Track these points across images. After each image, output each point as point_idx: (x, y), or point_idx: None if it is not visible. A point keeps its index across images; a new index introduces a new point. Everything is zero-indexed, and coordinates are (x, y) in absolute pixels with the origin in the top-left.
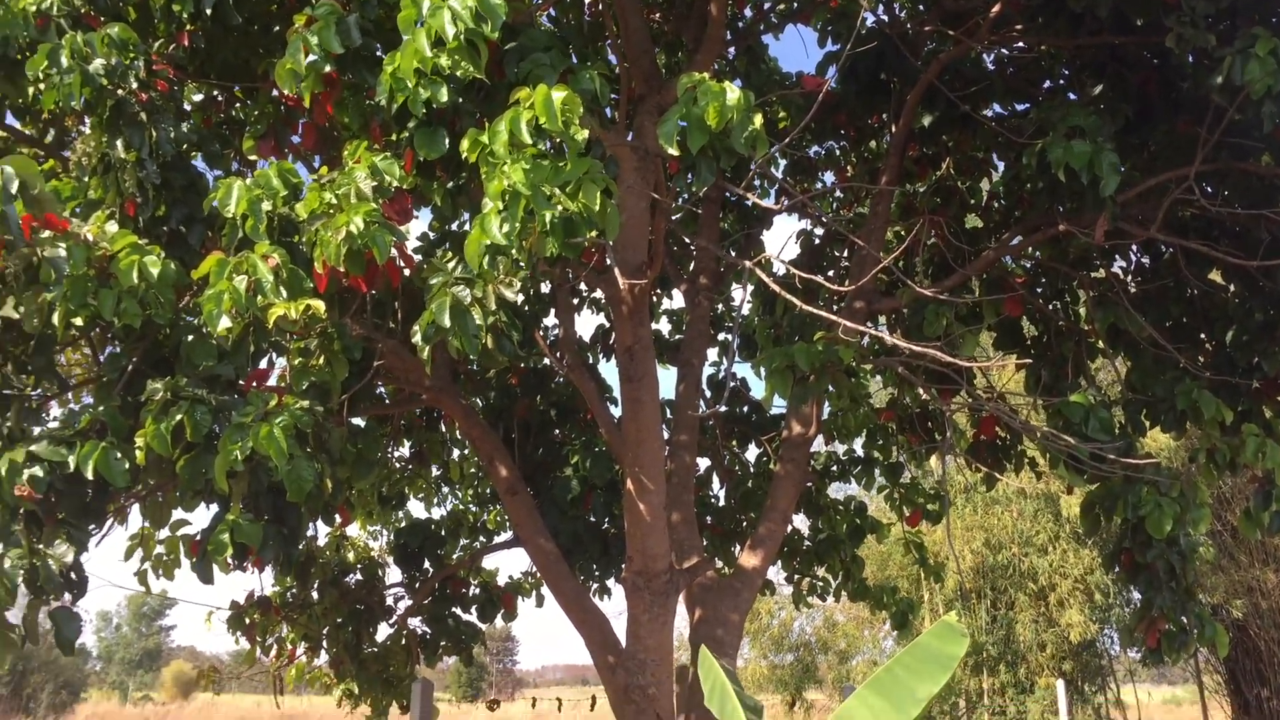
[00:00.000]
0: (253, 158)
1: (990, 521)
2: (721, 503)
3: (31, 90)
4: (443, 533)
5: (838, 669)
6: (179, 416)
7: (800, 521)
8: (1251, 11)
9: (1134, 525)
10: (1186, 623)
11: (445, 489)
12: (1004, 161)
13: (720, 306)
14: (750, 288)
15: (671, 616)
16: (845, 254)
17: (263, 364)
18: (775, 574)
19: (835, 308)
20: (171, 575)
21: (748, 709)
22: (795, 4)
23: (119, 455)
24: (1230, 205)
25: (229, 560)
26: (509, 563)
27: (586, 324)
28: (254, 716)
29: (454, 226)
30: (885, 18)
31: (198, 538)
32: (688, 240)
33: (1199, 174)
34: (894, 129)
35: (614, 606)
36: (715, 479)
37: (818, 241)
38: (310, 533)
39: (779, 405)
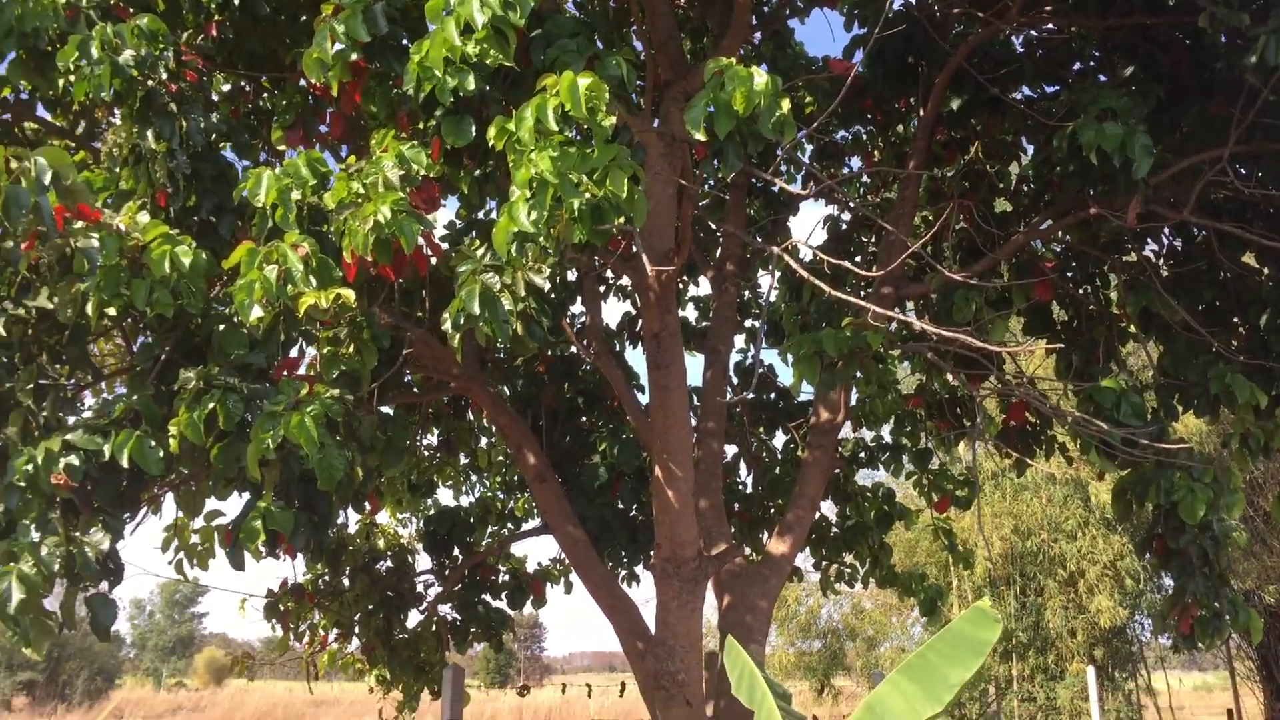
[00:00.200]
0: (281, 147)
1: (1019, 508)
2: (749, 489)
3: (62, 82)
4: (471, 520)
5: (865, 656)
6: (211, 405)
7: (828, 508)
8: None
9: (1166, 511)
10: (1220, 608)
11: (474, 476)
12: (1033, 145)
13: (747, 293)
14: (777, 274)
15: (700, 603)
16: (873, 239)
17: (293, 353)
18: (803, 561)
19: (863, 293)
20: (206, 565)
21: (777, 696)
22: None
23: (153, 444)
24: (1264, 187)
25: (261, 547)
26: (537, 550)
27: (613, 311)
28: (286, 702)
29: (481, 214)
30: (913, 0)
31: (230, 526)
32: (714, 226)
33: (1232, 155)
34: (922, 113)
35: (642, 594)
36: (743, 466)
37: (845, 227)
38: (340, 520)
39: (807, 392)
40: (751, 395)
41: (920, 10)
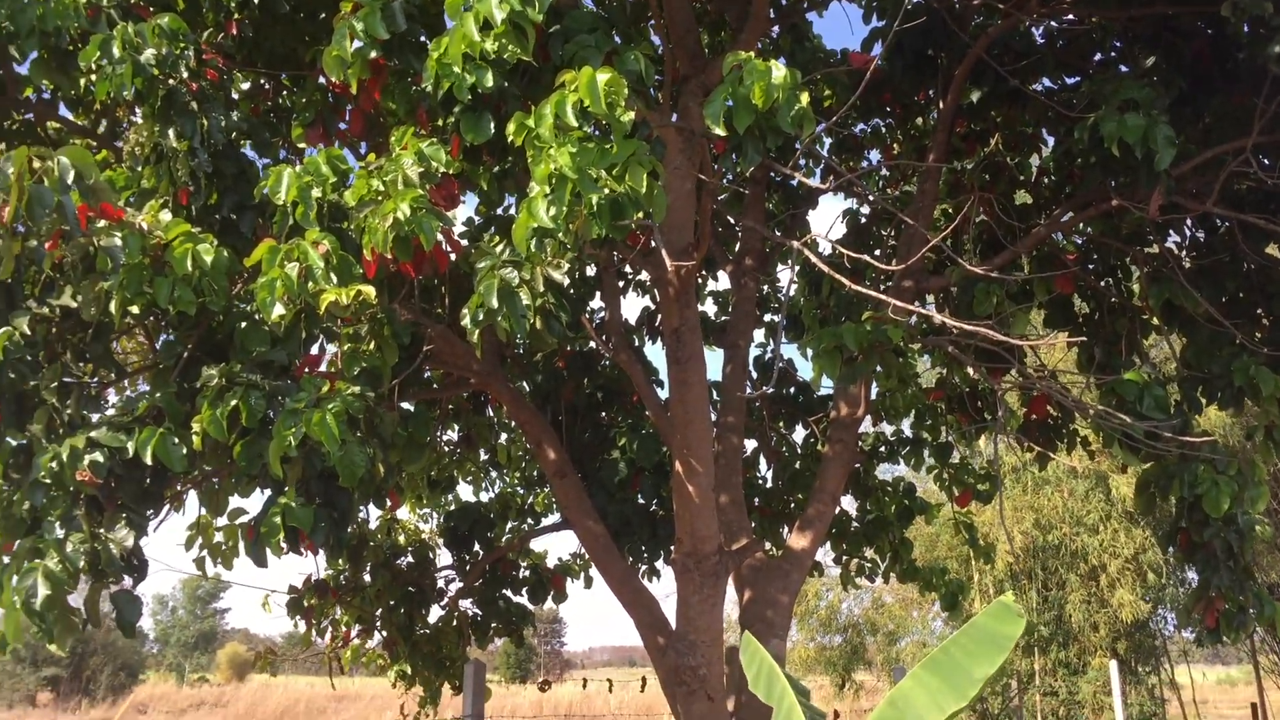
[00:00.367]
0: (301, 145)
1: (1040, 502)
2: (769, 484)
3: (84, 82)
4: (491, 515)
5: (886, 650)
6: (234, 402)
7: (849, 503)
8: None
9: (1190, 504)
10: (1244, 602)
11: (494, 472)
12: (1054, 136)
13: (766, 287)
14: (797, 268)
15: (721, 598)
16: (892, 233)
17: (314, 350)
18: (823, 555)
19: (883, 287)
20: (230, 565)
21: (796, 692)
22: None
23: (176, 440)
24: None
25: (281, 543)
26: (557, 545)
27: (633, 306)
28: (308, 697)
29: (500, 211)
30: None
31: (252, 523)
32: (733, 221)
33: (1256, 146)
34: (941, 105)
35: (662, 588)
36: (763, 460)
37: (864, 220)
38: (361, 516)
39: (827, 386)
40: (771, 390)
41: (939, 2)
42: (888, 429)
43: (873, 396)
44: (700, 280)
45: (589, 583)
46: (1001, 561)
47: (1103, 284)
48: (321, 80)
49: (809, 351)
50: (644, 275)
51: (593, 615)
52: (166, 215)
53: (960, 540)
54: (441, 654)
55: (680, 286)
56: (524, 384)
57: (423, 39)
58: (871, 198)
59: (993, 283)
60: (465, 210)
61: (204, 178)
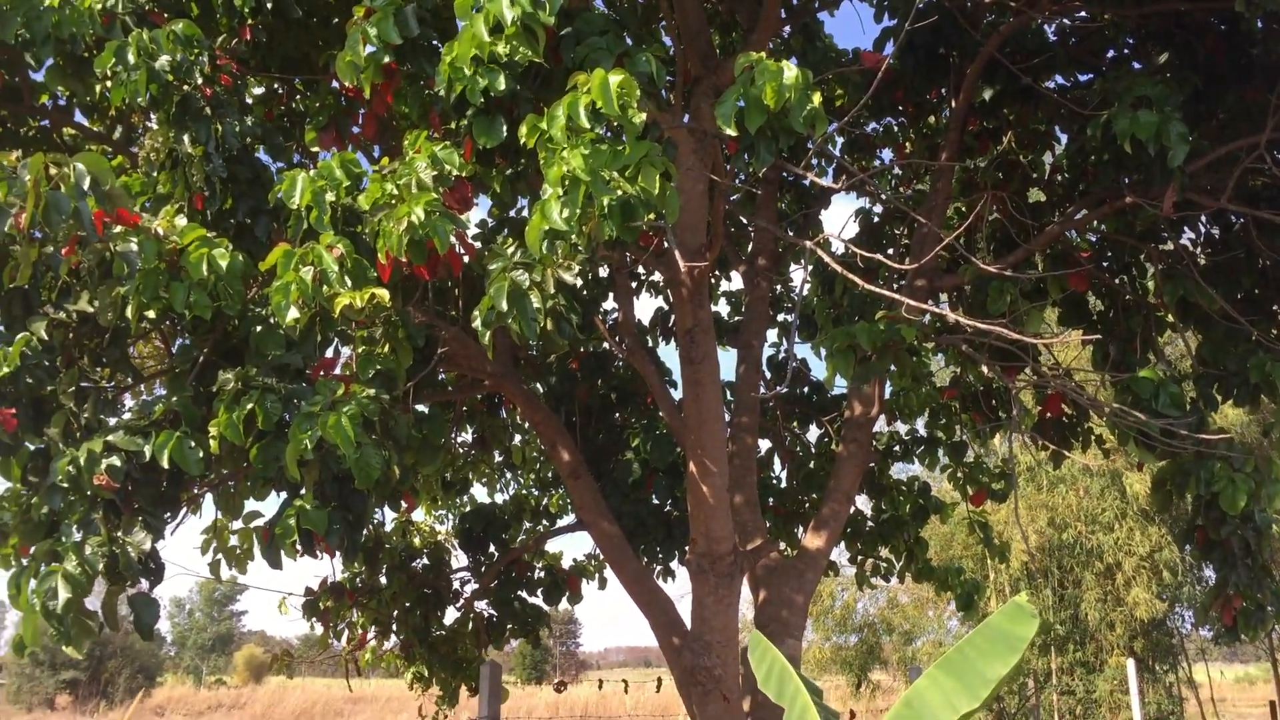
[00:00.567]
0: (315, 149)
1: (1055, 500)
2: (784, 484)
3: (99, 88)
4: (506, 517)
5: (902, 650)
6: (250, 406)
7: (863, 502)
8: None
9: (1207, 502)
10: (1262, 600)
11: (508, 473)
12: (1067, 134)
13: (779, 287)
14: (810, 268)
15: (736, 598)
16: (905, 232)
17: (329, 353)
18: (839, 555)
19: (896, 286)
20: (244, 569)
21: (810, 692)
22: None
23: (193, 444)
24: None
25: (296, 546)
26: (572, 546)
27: (646, 307)
28: (325, 699)
29: (513, 213)
30: None
31: (267, 526)
32: (746, 221)
33: (1270, 142)
34: (954, 103)
35: (677, 589)
36: (777, 460)
37: (877, 220)
38: (377, 518)
39: (840, 385)
40: (785, 390)
41: (951, 1)
42: (902, 428)
43: (887, 396)
44: (713, 280)
45: (603, 583)
46: (1016, 560)
47: (1117, 281)
48: (335, 85)
49: (823, 351)
50: (657, 276)
51: (608, 616)
52: (182, 220)
53: (975, 539)
54: (458, 655)
55: (693, 287)
56: (538, 385)
57: (435, 43)
58: (884, 197)
59: (1006, 281)
60: (478, 212)
61: (219, 182)
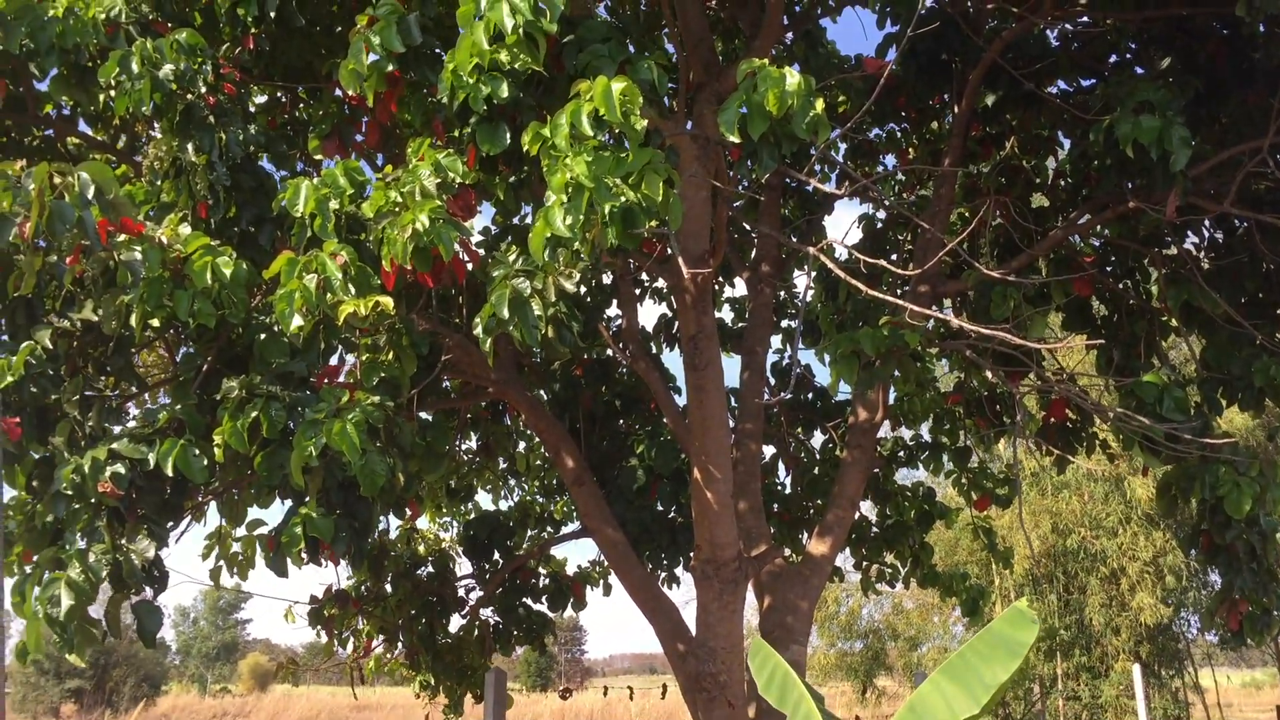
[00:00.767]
0: (318, 157)
1: (1059, 505)
2: (788, 490)
3: (103, 97)
4: (511, 524)
5: (908, 655)
6: (254, 414)
7: (868, 508)
8: None
9: (1212, 506)
10: (1268, 604)
11: (512, 480)
12: (1070, 139)
13: (783, 293)
14: (813, 274)
15: (741, 604)
16: (909, 237)
17: (333, 360)
18: (844, 561)
19: (900, 292)
20: (246, 575)
21: (813, 697)
22: None
23: (197, 452)
24: None
25: (302, 554)
26: (576, 553)
27: (650, 313)
28: (330, 707)
29: (517, 220)
30: None
31: (272, 534)
32: (749, 227)
33: (1272, 145)
34: (956, 109)
35: (682, 595)
36: (781, 466)
37: (880, 225)
38: (381, 526)
39: (845, 391)
40: (789, 395)
41: (953, 6)
42: (906, 434)
43: (891, 401)
44: (717, 287)
45: (608, 590)
46: (1021, 566)
47: (1121, 286)
48: (338, 93)
49: (826, 357)
50: (661, 283)
51: (614, 622)
52: (186, 229)
53: (980, 545)
54: (463, 663)
55: (697, 293)
56: (542, 392)
57: (438, 51)
58: (887, 202)
59: (1010, 286)
60: (482, 220)
61: (222, 191)
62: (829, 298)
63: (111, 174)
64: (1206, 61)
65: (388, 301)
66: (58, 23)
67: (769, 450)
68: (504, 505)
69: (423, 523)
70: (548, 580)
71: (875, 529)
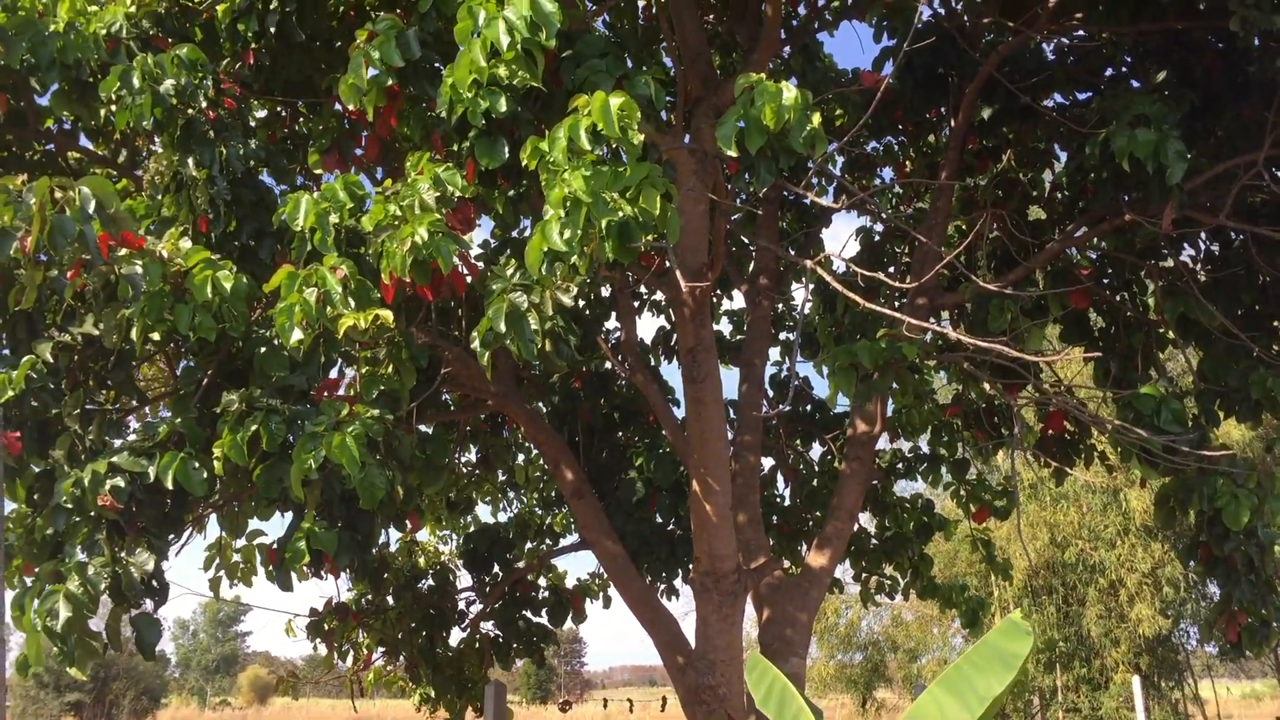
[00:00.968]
0: (318, 171)
1: (1057, 517)
2: (787, 502)
3: (104, 112)
4: (510, 536)
5: (907, 667)
6: (254, 427)
7: (867, 520)
8: None
9: (1210, 518)
10: (1267, 615)
11: (512, 493)
12: (1066, 152)
13: (781, 306)
14: (811, 286)
15: (740, 617)
16: (906, 250)
17: (333, 374)
18: (843, 572)
19: (897, 304)
20: (249, 583)
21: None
22: (849, 0)
23: (197, 465)
24: None
25: (306, 568)
26: (575, 565)
27: (648, 326)
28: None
29: (516, 233)
30: (942, 11)
31: (274, 546)
32: (747, 241)
33: (1268, 158)
34: (953, 122)
35: (681, 607)
36: (780, 479)
37: (878, 238)
38: (382, 539)
39: (843, 404)
40: (787, 408)
41: (949, 21)
42: (904, 446)
43: (889, 413)
44: (715, 300)
45: (607, 602)
46: (1019, 577)
47: (1117, 298)
48: (338, 107)
49: (825, 369)
50: (659, 295)
51: (613, 634)
52: (186, 243)
53: (979, 557)
54: (463, 676)
55: (695, 306)
56: (541, 405)
57: (437, 65)
58: (884, 216)
59: (1007, 299)
60: (481, 233)
61: (223, 205)
62: (827, 310)
63: (112, 188)
64: (1202, 75)
65: (387, 315)
66: (59, 38)
67: (768, 462)
68: (503, 518)
69: (423, 535)
70: (547, 593)
71: (874, 541)
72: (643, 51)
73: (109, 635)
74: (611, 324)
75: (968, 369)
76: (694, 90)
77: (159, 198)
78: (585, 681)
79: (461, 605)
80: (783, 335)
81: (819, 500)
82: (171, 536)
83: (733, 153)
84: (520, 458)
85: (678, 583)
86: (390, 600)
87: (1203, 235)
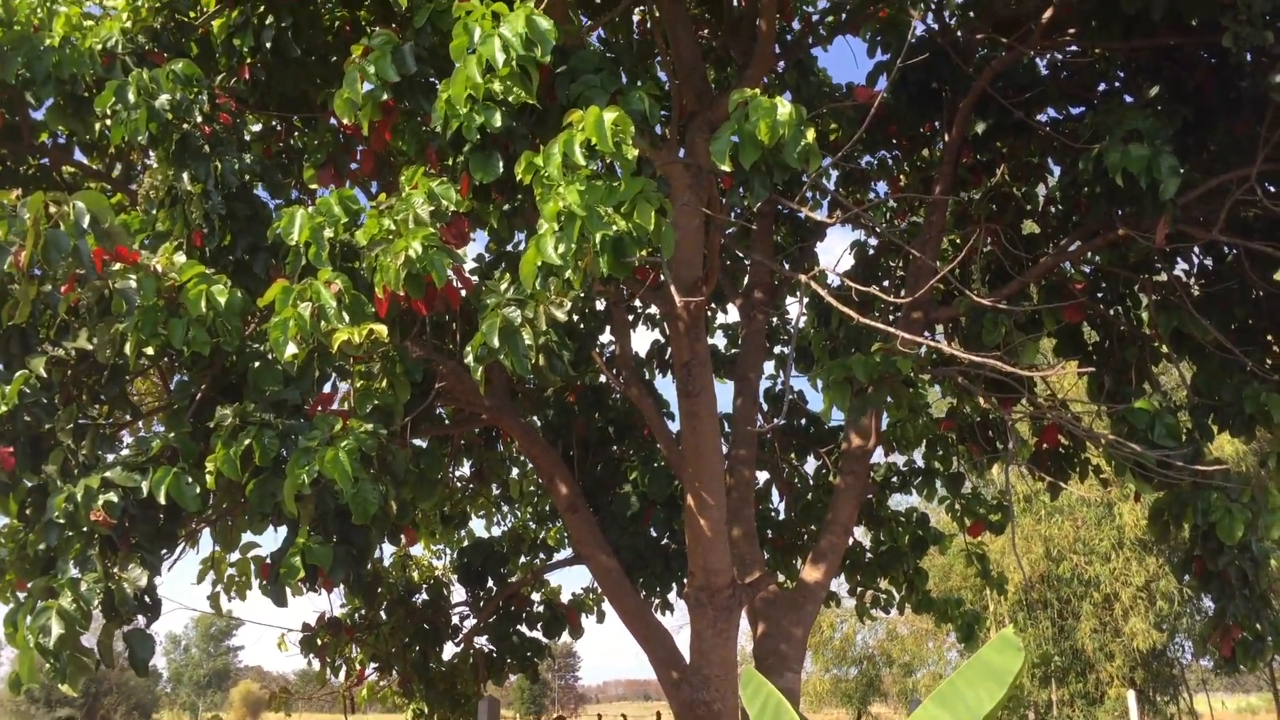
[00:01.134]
0: (313, 186)
1: (1052, 531)
2: (782, 516)
3: (99, 126)
4: (504, 551)
5: (902, 682)
6: (247, 441)
7: (861, 534)
8: None
9: (1204, 532)
10: (1261, 630)
11: (506, 507)
12: (1060, 167)
13: (776, 320)
14: (805, 300)
15: (735, 631)
16: (901, 264)
17: (327, 388)
18: (838, 586)
19: (892, 318)
20: (244, 595)
21: None
22: (844, 15)
23: (190, 480)
24: None
25: (300, 583)
26: (570, 579)
27: (643, 340)
28: None
29: (510, 247)
30: (935, 26)
31: (268, 560)
32: (742, 255)
33: (1260, 173)
34: (947, 137)
35: (675, 621)
36: (775, 492)
37: (872, 252)
38: (375, 554)
39: (837, 418)
40: (782, 422)
41: (943, 36)
42: (899, 459)
43: (884, 427)
44: (710, 314)
45: (602, 617)
46: (1014, 591)
47: (1111, 312)
48: (333, 122)
49: (819, 383)
50: (654, 309)
51: (607, 649)
52: (181, 257)
53: (974, 571)
54: (457, 691)
55: (690, 320)
56: (535, 419)
57: (432, 80)
58: (879, 230)
59: (1001, 313)
60: (476, 247)
61: (218, 219)
62: (821, 324)
63: (107, 203)
64: (1194, 90)
65: (381, 329)
66: (54, 53)
67: (762, 476)
68: (497, 532)
69: (417, 550)
70: (541, 607)
71: (869, 555)
72: (637, 67)
73: (101, 651)
74: (606, 338)
75: (962, 383)
76: (688, 105)
77: (154, 212)
78: (579, 696)
79: (455, 620)
80: (777, 349)
81: (814, 514)
82: (164, 551)
83: (727, 167)
84: (515, 472)
85: (672, 597)
86: (384, 615)
87: (1196, 250)
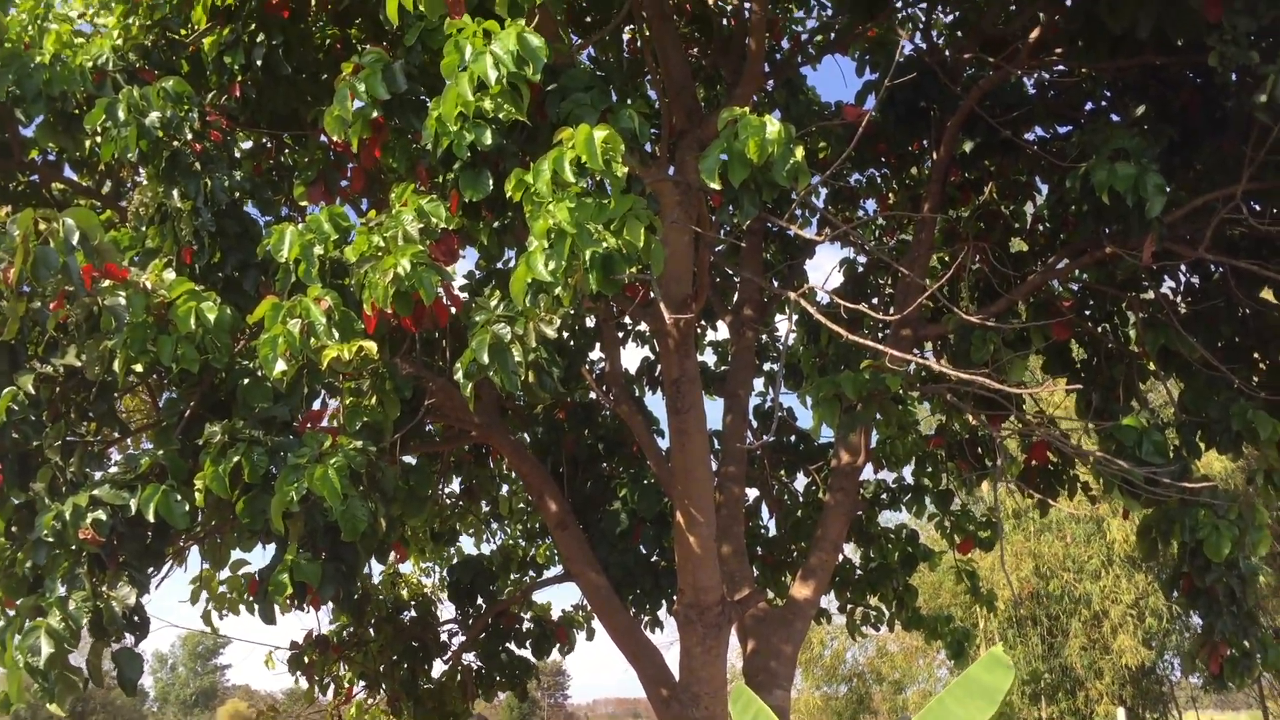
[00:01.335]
0: (303, 203)
1: (1041, 548)
2: (772, 533)
3: (89, 143)
4: (494, 568)
5: (892, 699)
6: (236, 458)
7: (851, 551)
8: None
9: (1192, 549)
10: (1249, 647)
11: (495, 524)
12: (1047, 185)
13: (765, 337)
14: (795, 318)
15: (724, 649)
16: (889, 282)
17: (316, 405)
18: (828, 603)
19: (881, 336)
20: (237, 610)
21: None
22: (833, 35)
23: (179, 497)
24: (1279, 223)
25: (289, 600)
26: (559, 597)
27: (633, 357)
28: None
29: (500, 264)
30: (924, 46)
31: (257, 577)
32: (731, 272)
33: (1246, 192)
34: (935, 155)
35: (665, 638)
36: (765, 509)
37: (861, 270)
38: (364, 570)
39: (827, 435)
40: (771, 439)
41: (931, 55)
42: (889, 476)
43: (873, 444)
44: (699, 331)
45: (591, 634)
46: (1004, 608)
47: (1099, 330)
48: (323, 139)
49: (808, 400)
50: (644, 326)
51: (597, 667)
52: (170, 274)
53: (963, 588)
54: (445, 709)
55: (679, 338)
56: (525, 436)
57: (423, 98)
58: (868, 247)
59: (989, 330)
60: (466, 264)
61: (207, 237)
62: (810, 341)
63: (96, 220)
64: (1180, 110)
65: (371, 346)
66: (44, 70)
67: (752, 493)
68: (487, 549)
69: (406, 567)
70: (531, 625)
71: (859, 572)
72: (627, 85)
73: (90, 670)
74: (596, 355)
75: (951, 400)
76: (678, 123)
77: (143, 229)
78: (569, 714)
79: (444, 637)
80: (767, 366)
81: (803, 531)
82: (153, 569)
83: (716, 185)
84: (504, 489)
85: (662, 614)
86: (372, 632)
87: (1183, 268)
